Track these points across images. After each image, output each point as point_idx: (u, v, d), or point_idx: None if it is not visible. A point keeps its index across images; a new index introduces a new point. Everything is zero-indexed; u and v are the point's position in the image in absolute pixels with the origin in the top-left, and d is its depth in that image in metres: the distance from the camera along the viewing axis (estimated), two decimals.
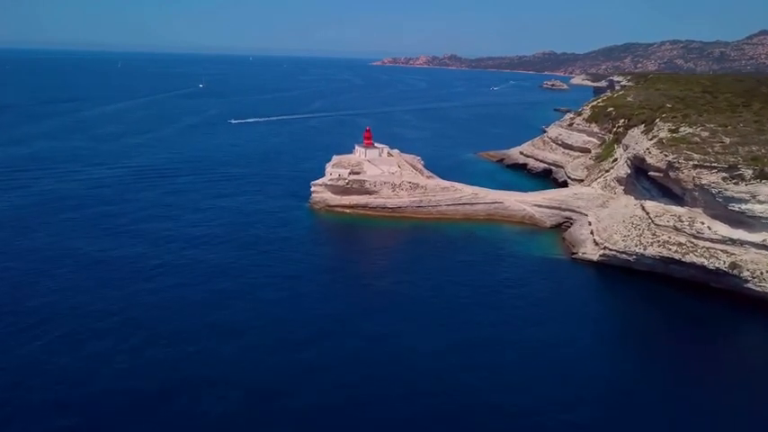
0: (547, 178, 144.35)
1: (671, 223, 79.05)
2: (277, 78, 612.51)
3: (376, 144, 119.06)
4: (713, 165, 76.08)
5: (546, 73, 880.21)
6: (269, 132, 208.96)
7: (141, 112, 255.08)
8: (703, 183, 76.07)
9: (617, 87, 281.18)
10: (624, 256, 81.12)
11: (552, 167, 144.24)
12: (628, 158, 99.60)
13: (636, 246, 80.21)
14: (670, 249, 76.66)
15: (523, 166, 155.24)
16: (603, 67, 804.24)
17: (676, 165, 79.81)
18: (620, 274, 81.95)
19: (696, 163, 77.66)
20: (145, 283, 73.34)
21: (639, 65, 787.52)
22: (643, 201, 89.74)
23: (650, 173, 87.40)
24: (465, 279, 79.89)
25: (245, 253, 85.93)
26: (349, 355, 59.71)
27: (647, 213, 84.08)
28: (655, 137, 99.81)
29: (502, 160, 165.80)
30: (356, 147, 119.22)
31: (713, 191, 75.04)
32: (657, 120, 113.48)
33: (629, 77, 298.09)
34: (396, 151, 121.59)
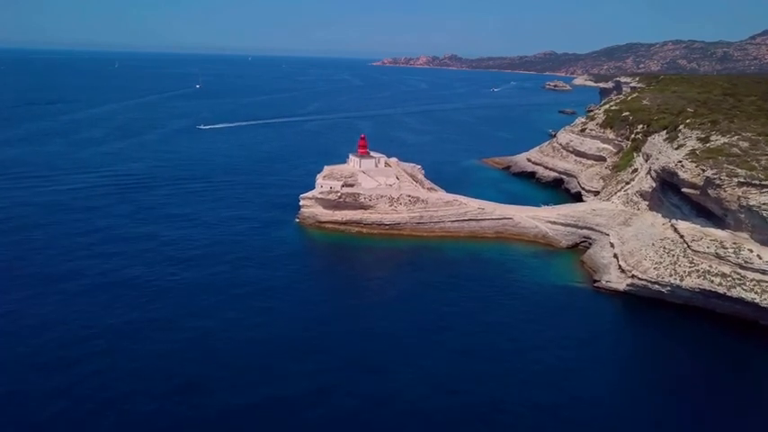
0: (558, 188, 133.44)
1: (712, 250, 68.10)
2: (275, 79, 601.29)
3: (372, 153, 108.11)
4: (763, 183, 65.24)
5: (547, 73, 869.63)
6: (261, 137, 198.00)
7: (129, 115, 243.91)
8: (751, 204, 65.27)
9: (625, 89, 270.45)
10: (656, 286, 70.20)
11: (563, 176, 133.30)
12: (654, 171, 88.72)
13: (670, 275, 69.29)
14: (712, 282, 65.75)
15: (531, 175, 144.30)
16: (605, 67, 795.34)
17: (717, 181, 68.96)
18: (651, 307, 71.01)
19: (742, 180, 66.84)
20: (109, 316, 62.93)
21: (642, 65, 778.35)
22: (674, 220, 78.91)
23: (683, 189, 76.51)
24: (472, 311, 69.35)
25: (221, 278, 75.35)
26: (341, 400, 50.93)
27: (682, 236, 73.18)
28: (681, 146, 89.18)
29: (508, 168, 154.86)
30: (350, 156, 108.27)
31: (764, 213, 64.28)
32: (681, 126, 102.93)
33: (636, 79, 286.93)
34: (393, 160, 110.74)
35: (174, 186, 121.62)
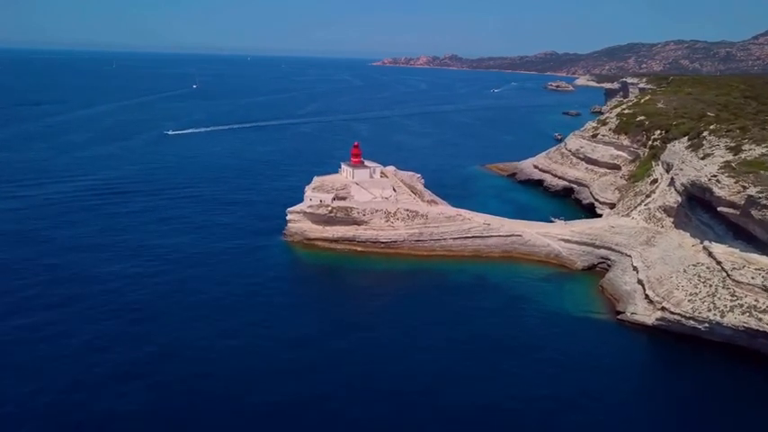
0: (567, 198, 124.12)
1: (758, 281, 58.82)
2: (274, 79, 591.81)
3: (366, 162, 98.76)
4: None
5: (548, 73, 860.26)
6: (254, 140, 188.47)
7: (120, 117, 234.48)
8: None
9: (632, 90, 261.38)
10: (692, 322, 60.87)
11: (574, 186, 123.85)
12: (681, 184, 79.33)
13: (708, 310, 59.94)
14: (760, 319, 56.43)
15: (539, 183, 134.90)
16: (607, 67, 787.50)
17: (763, 201, 59.64)
18: (685, 344, 61.61)
19: None
20: (63, 362, 53.86)
21: (644, 65, 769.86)
22: (706, 242, 69.54)
23: (720, 208, 67.20)
24: (477, 348, 60.63)
25: (198, 303, 66.33)
26: None
27: (719, 263, 63.85)
28: (708, 155, 79.89)
29: (513, 174, 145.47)
30: (342, 165, 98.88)
31: None
32: (705, 132, 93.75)
33: (644, 79, 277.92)
34: (390, 169, 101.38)
35: (153, 196, 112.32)
